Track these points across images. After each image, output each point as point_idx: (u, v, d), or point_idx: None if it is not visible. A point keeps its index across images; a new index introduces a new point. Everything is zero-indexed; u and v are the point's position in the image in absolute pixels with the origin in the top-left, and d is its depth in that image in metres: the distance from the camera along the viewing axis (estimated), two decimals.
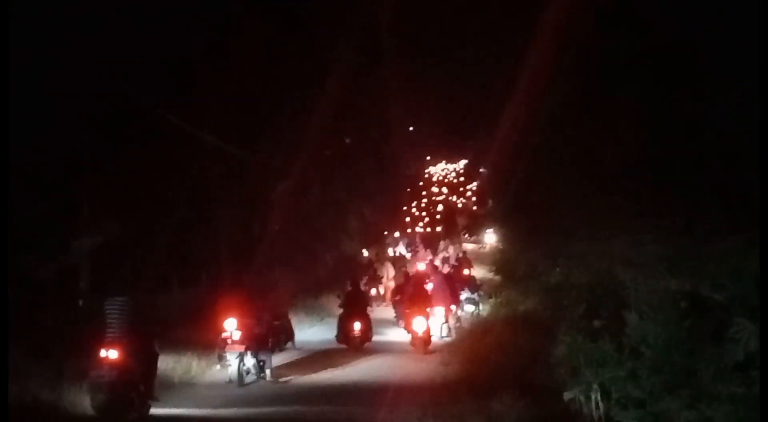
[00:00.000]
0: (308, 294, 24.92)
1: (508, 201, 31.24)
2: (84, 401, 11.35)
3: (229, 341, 14.88)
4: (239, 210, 22.40)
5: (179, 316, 16.87)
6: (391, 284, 28.52)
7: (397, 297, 24.39)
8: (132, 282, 16.58)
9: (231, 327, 16.04)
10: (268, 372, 15.11)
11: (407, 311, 20.02)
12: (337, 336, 19.70)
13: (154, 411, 11.75)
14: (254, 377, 14.85)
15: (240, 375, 14.52)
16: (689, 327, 9.60)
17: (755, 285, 9.19)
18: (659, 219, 10.64)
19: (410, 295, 20.48)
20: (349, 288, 20.89)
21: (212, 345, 15.99)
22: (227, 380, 14.68)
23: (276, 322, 18.69)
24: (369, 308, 22.37)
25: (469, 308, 23.21)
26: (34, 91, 12.85)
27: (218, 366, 15.84)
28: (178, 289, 18.48)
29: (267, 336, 15.70)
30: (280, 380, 15.20)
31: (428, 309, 19.59)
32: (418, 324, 18.82)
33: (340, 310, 20.28)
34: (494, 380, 12.46)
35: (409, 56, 30.37)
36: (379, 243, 42.22)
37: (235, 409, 12.60)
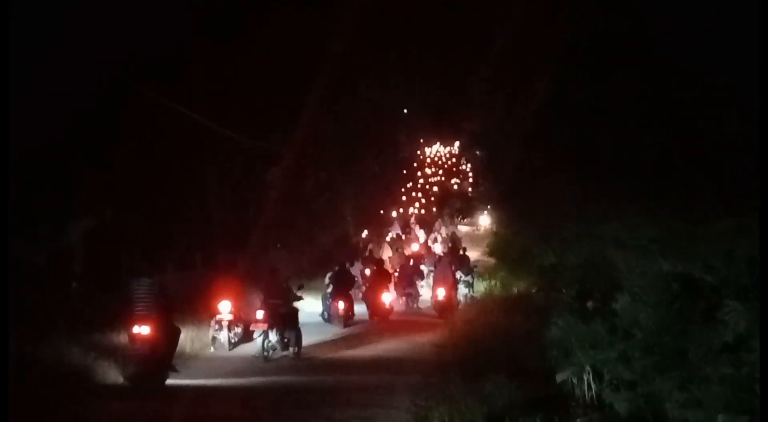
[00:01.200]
0: (303, 275, 24.93)
1: (503, 183, 31.28)
2: (109, 372, 12.46)
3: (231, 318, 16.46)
4: (234, 192, 22.40)
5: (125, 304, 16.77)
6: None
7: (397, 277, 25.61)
8: (126, 265, 16.66)
9: (225, 309, 16.32)
10: (291, 349, 15.68)
11: (435, 281, 22.50)
12: (322, 314, 20.46)
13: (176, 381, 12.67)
14: (279, 353, 15.58)
15: (265, 350, 15.30)
16: (680, 309, 9.63)
17: (746, 267, 9.23)
18: (652, 202, 10.67)
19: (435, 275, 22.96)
20: (336, 269, 21.56)
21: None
22: (254, 354, 15.53)
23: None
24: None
25: (463, 290, 23.25)
26: (28, 75, 12.79)
27: (212, 349, 16.02)
28: (173, 272, 18.47)
29: (294, 315, 16.26)
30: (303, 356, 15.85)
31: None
32: (441, 292, 21.65)
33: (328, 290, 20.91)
34: (487, 361, 12.49)
35: (403, 39, 30.25)
36: (374, 224, 42.22)
37: (261, 377, 13.52)
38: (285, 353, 15.62)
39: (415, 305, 24.55)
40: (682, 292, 9.76)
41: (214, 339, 16.42)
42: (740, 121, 10.90)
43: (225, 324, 16.52)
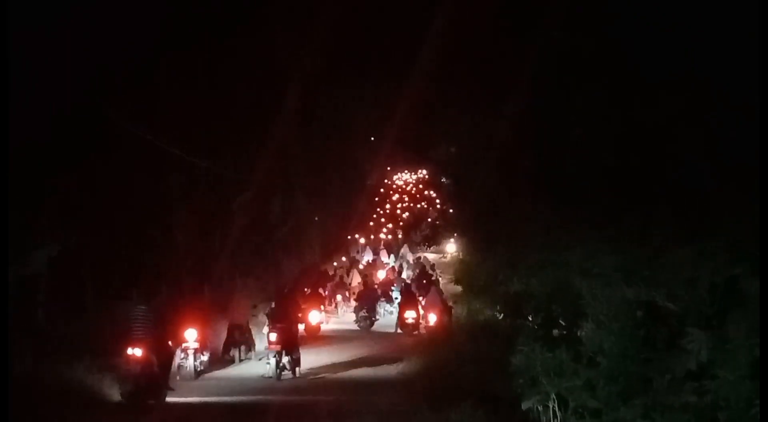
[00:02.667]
0: (270, 304, 24.76)
1: (469, 210, 31.36)
2: (108, 390, 13.54)
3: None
4: (200, 219, 22.22)
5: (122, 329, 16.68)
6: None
7: (357, 302, 27.10)
8: (92, 292, 16.44)
9: (191, 337, 16.17)
10: (297, 369, 16.81)
11: (401, 306, 24.68)
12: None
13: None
14: (289, 374, 16.66)
15: (279, 369, 16.39)
16: (644, 337, 9.66)
17: (708, 294, 9.29)
18: (614, 230, 10.72)
19: (403, 297, 25.34)
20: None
21: None
22: (266, 375, 16.62)
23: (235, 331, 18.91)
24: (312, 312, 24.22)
25: (432, 317, 23.27)
26: None
27: (177, 377, 15.82)
28: (138, 299, 18.24)
29: (296, 338, 17.51)
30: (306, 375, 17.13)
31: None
32: (409, 314, 23.71)
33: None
34: (453, 389, 12.46)
35: (369, 67, 30.32)
36: (341, 251, 42.31)
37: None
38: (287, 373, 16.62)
39: (370, 328, 25.73)
40: (645, 320, 9.79)
41: (179, 366, 16.24)
42: (703, 145, 10.98)
43: (191, 352, 16.52)
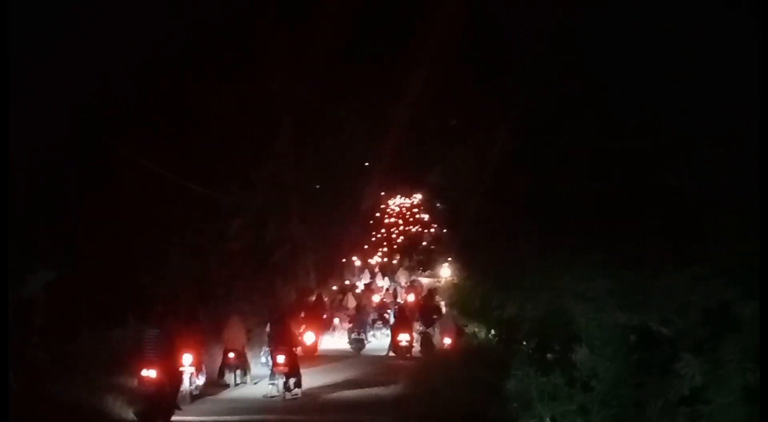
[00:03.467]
0: (264, 328, 24.71)
1: (463, 235, 31.36)
2: (121, 409, 14.16)
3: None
4: (196, 244, 22.20)
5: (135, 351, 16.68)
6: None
7: (351, 325, 27.53)
8: (87, 316, 16.36)
9: (186, 361, 16.13)
10: (298, 390, 17.50)
11: (394, 328, 25.21)
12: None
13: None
14: (296, 395, 17.41)
15: (286, 390, 17.20)
16: (638, 361, 9.65)
17: (701, 319, 9.27)
18: (607, 255, 10.73)
19: (396, 321, 26.03)
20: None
21: None
22: (269, 395, 17.45)
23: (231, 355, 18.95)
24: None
25: (447, 340, 23.46)
26: None
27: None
28: (135, 324, 18.17)
29: (297, 361, 18.09)
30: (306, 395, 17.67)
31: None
32: (403, 337, 24.31)
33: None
34: (448, 414, 12.43)
35: (364, 94, 30.45)
36: (337, 275, 42.41)
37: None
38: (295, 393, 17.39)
39: (361, 351, 26.18)
40: (639, 344, 9.78)
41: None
42: (692, 172, 11.01)
43: (186, 375, 16.49)
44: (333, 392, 18.09)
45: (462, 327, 23.43)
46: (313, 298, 31.49)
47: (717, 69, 10.55)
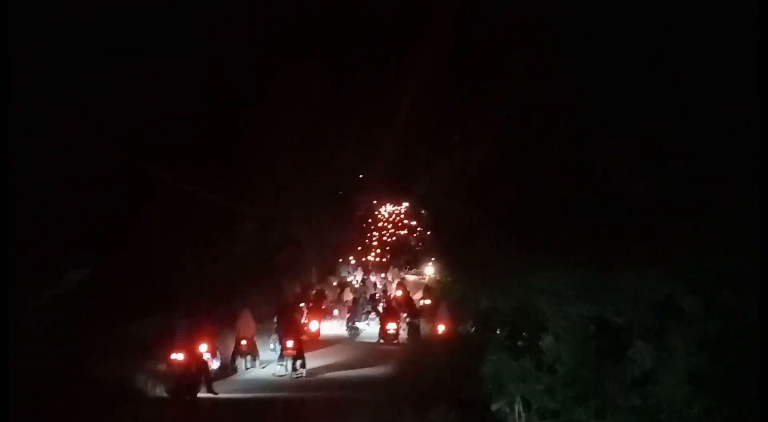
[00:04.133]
0: (272, 319, 24.78)
1: (445, 238, 31.42)
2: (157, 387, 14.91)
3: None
4: (211, 246, 22.19)
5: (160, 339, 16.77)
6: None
7: (349, 315, 28.41)
8: (118, 310, 16.38)
9: (203, 348, 16.18)
10: (303, 370, 18.09)
11: (383, 319, 25.56)
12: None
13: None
14: (301, 374, 18.00)
15: (294, 370, 17.90)
16: (596, 347, 9.76)
17: (649, 310, 9.40)
18: (569, 256, 10.84)
19: (384, 312, 26.31)
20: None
21: None
22: (278, 374, 18.13)
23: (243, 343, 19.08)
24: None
25: (441, 327, 23.49)
26: (28, 146, 12.59)
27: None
28: (159, 316, 18.18)
29: (302, 346, 18.70)
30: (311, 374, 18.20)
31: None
32: (390, 326, 24.64)
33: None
34: (432, 393, 12.48)
35: (359, 116, 30.50)
36: (335, 272, 42.57)
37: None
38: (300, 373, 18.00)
39: (356, 338, 26.74)
40: (597, 333, 9.90)
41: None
42: (645, 185, 11.12)
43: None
44: (332, 371, 18.66)
45: (456, 317, 23.49)
46: (313, 293, 31.79)
47: (665, 96, 10.64)
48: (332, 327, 28.89)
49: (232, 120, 21.33)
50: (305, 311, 26.88)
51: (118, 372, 14.49)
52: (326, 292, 33.70)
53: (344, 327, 28.04)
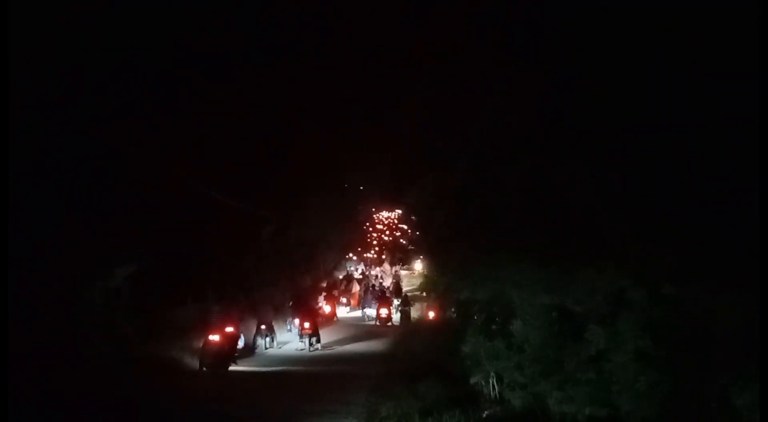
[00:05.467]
0: (287, 306, 24.67)
1: (431, 240, 31.31)
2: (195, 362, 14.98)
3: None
4: (237, 245, 22.07)
5: (194, 323, 16.61)
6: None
7: (363, 301, 30.05)
8: (159, 299, 16.24)
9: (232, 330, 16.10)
10: (318, 345, 19.20)
11: (378, 305, 26.89)
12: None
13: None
14: (317, 348, 19.11)
15: (309, 346, 18.86)
16: (558, 331, 9.66)
17: (604, 299, 9.27)
18: (536, 254, 10.71)
19: (378, 300, 27.59)
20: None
21: None
22: (299, 348, 19.02)
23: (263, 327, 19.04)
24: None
25: (431, 313, 23.53)
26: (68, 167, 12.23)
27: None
28: (192, 303, 18.05)
29: (317, 326, 19.57)
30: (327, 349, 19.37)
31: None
32: (383, 311, 26.30)
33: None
34: (421, 369, 12.39)
35: (363, 140, 30.54)
36: (341, 268, 42.74)
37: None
38: (316, 347, 19.02)
39: (366, 319, 27.84)
40: (559, 318, 9.78)
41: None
42: (599, 195, 10.95)
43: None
44: (342, 345, 20.19)
45: (444, 304, 23.41)
46: (325, 284, 32.28)
47: (606, 126, 10.48)
48: (341, 312, 30.45)
49: (255, 146, 21.13)
50: (321, 298, 28.45)
51: (161, 351, 14.65)
52: (336, 282, 34.53)
53: (355, 312, 30.12)
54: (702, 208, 7.86)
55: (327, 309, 27.23)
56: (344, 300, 32.81)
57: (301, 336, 19.25)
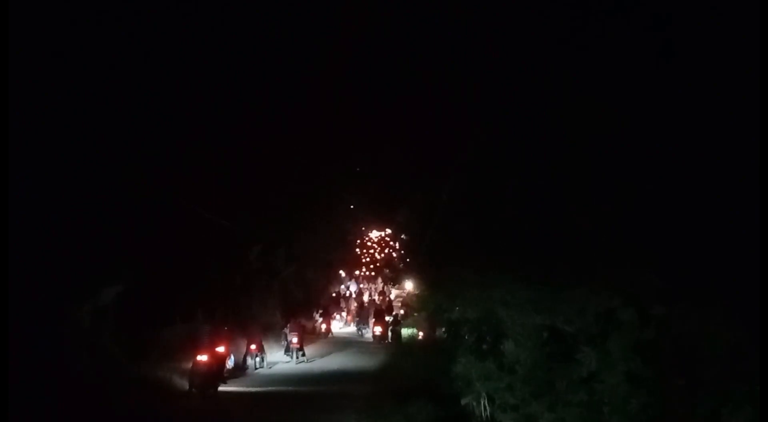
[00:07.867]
0: (277, 326, 24.55)
1: (421, 259, 31.33)
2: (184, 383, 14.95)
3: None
4: (225, 264, 21.97)
5: (183, 343, 16.47)
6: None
7: (356, 319, 32.65)
8: (147, 319, 16.11)
9: (221, 351, 16.02)
10: (304, 357, 21.16)
11: (373, 321, 28.42)
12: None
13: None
14: (303, 360, 20.93)
15: (296, 358, 20.70)
16: (549, 352, 9.65)
17: (594, 320, 9.30)
18: (527, 274, 10.73)
19: (375, 316, 28.91)
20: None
21: None
22: (287, 361, 20.72)
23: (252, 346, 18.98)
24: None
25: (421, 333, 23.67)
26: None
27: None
28: (180, 323, 17.91)
29: (303, 341, 21.40)
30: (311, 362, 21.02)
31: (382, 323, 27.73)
32: (377, 329, 27.37)
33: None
34: (410, 389, 12.34)
35: (351, 160, 30.72)
36: (330, 287, 42.55)
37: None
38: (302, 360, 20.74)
39: (361, 335, 29.93)
40: (550, 339, 9.78)
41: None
42: (588, 217, 11.01)
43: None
44: (333, 360, 21.36)
45: (434, 325, 23.46)
46: (319, 302, 32.86)
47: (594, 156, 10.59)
48: (335, 327, 32.11)
49: (246, 160, 21.13)
50: (317, 315, 30.42)
51: (149, 371, 14.52)
52: (330, 298, 35.09)
53: (348, 328, 32.16)
54: (689, 231, 7.94)
55: (323, 327, 29.33)
56: (338, 316, 33.74)
57: (289, 349, 21.07)
